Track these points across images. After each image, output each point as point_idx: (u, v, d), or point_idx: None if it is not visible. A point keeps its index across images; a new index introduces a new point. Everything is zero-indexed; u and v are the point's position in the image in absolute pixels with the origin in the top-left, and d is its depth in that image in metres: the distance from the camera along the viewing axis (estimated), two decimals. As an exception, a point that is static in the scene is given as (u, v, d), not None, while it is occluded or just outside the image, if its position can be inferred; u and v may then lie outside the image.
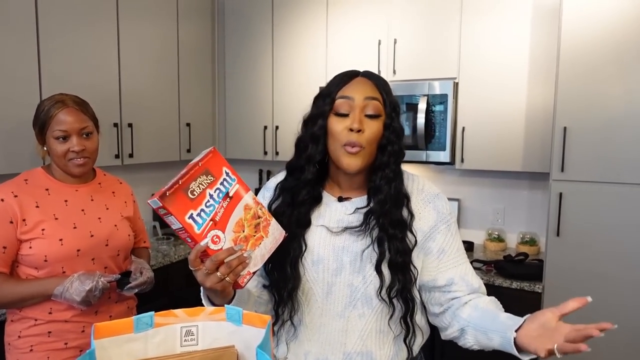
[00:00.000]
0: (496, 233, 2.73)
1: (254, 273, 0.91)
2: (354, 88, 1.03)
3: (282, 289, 1.05)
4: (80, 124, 1.41)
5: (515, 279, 2.19)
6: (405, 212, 1.04)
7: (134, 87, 2.63)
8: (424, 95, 2.51)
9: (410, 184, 1.10)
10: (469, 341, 1.01)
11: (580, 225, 2.02)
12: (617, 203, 1.95)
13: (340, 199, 1.08)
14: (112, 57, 2.49)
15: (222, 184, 0.91)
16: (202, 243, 0.85)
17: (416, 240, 1.03)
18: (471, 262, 2.32)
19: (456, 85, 2.52)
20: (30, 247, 1.36)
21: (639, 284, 1.94)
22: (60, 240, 1.38)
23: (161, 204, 0.83)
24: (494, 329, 0.96)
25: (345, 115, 1.01)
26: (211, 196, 0.88)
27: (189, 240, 0.86)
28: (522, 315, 1.01)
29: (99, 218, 1.49)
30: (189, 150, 3.06)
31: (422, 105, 2.49)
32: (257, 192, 3.60)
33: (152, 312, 0.79)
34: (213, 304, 0.96)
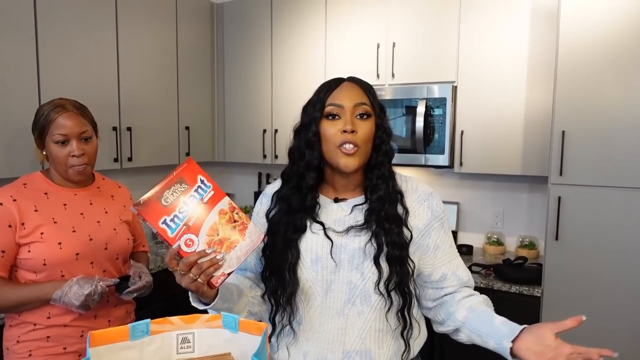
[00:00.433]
0: (495, 236, 2.73)
1: (228, 274, 0.96)
2: (342, 94, 1.06)
3: (280, 295, 1.07)
4: (80, 128, 1.41)
5: (514, 283, 2.19)
6: (400, 209, 1.08)
7: (133, 91, 2.63)
8: (423, 98, 2.51)
9: (404, 184, 1.14)
10: (462, 338, 1.09)
11: (579, 229, 2.02)
12: (616, 207, 1.95)
13: (337, 200, 1.11)
14: (111, 60, 2.49)
15: (196, 191, 0.96)
16: (174, 246, 0.92)
17: (412, 235, 1.07)
18: (470, 266, 2.35)
19: (455, 88, 2.52)
20: (29, 251, 1.36)
21: (638, 287, 1.93)
22: (59, 244, 1.38)
23: (136, 212, 0.91)
24: (489, 334, 1.02)
25: (337, 119, 1.05)
26: (185, 203, 0.94)
27: (166, 244, 0.95)
28: (519, 320, 1.03)
29: (98, 222, 1.49)
30: (187, 154, 3.06)
31: (420, 109, 2.49)
32: (256, 195, 3.61)
33: (148, 320, 0.79)
34: (201, 303, 1.00)
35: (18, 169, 2.00)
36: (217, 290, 0.98)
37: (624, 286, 1.95)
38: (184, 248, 0.92)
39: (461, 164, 2.55)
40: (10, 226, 1.35)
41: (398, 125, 2.59)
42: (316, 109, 1.06)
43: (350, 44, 2.79)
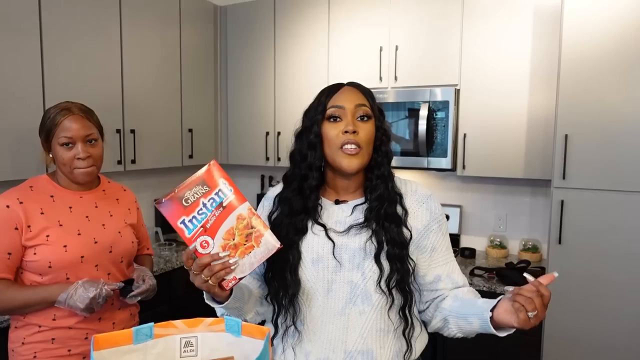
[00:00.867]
0: (498, 240, 2.72)
1: (240, 279, 0.97)
2: (343, 97, 1.09)
3: (282, 297, 1.08)
4: (86, 131, 1.42)
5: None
6: (399, 209, 1.10)
7: (136, 94, 2.64)
8: (425, 101, 2.51)
9: (403, 186, 1.16)
10: (452, 329, 1.09)
11: (582, 233, 2.02)
12: (619, 211, 1.95)
13: (337, 202, 1.14)
14: (115, 63, 2.51)
15: (216, 194, 0.97)
16: (190, 247, 0.95)
17: (411, 235, 1.09)
18: (473, 269, 2.35)
19: (457, 92, 2.53)
20: (35, 254, 1.37)
21: (640, 292, 1.93)
22: (65, 246, 1.39)
23: (158, 208, 0.95)
24: (473, 313, 1.03)
25: (338, 120, 1.08)
26: (204, 205, 0.96)
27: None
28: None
29: (103, 225, 1.50)
30: (191, 156, 3.08)
31: (423, 112, 2.50)
32: (259, 197, 3.61)
33: (152, 323, 0.79)
34: (214, 301, 1.02)
35: (24, 172, 2.02)
36: (231, 291, 1.00)
37: (628, 290, 1.95)
38: (200, 249, 0.94)
39: (464, 167, 2.55)
40: (16, 228, 1.36)
41: (401, 129, 2.59)
42: (318, 111, 1.09)
43: (353, 47, 2.80)
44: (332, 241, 1.08)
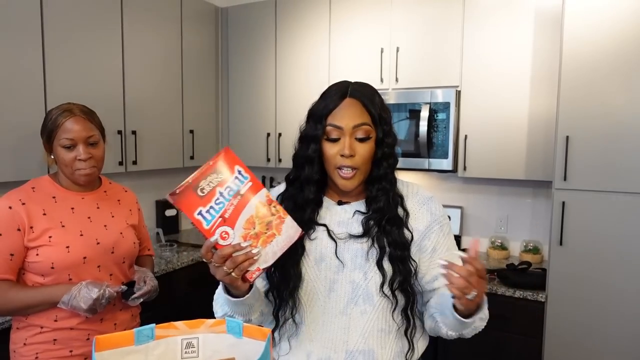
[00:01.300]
0: (499, 241, 2.72)
1: (264, 269, 0.93)
2: (342, 115, 1.06)
3: (283, 289, 1.09)
4: (87, 133, 1.43)
5: (518, 287, 2.19)
6: (400, 211, 1.11)
7: (137, 95, 2.65)
8: (427, 103, 2.51)
9: (404, 188, 1.16)
10: (442, 328, 1.07)
11: (583, 234, 2.02)
12: (621, 212, 1.95)
13: (340, 203, 1.14)
14: (116, 65, 2.51)
15: (233, 182, 0.92)
16: (211, 239, 0.90)
17: (412, 236, 1.10)
18: (474, 271, 2.34)
19: (458, 93, 2.53)
20: (37, 255, 1.37)
21: (642, 293, 1.93)
22: (67, 247, 1.39)
23: (172, 201, 0.90)
24: (445, 304, 1.01)
25: (337, 140, 1.06)
26: (221, 194, 0.91)
27: (202, 235, 0.91)
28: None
29: (105, 226, 1.51)
30: (192, 157, 3.08)
31: (424, 113, 2.50)
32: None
33: (153, 325, 0.79)
34: (230, 294, 0.99)
35: (25, 173, 2.02)
36: (251, 284, 0.97)
37: (629, 291, 1.94)
38: (220, 241, 0.90)
39: (465, 168, 2.55)
40: (19, 230, 1.36)
41: (401, 130, 2.59)
42: (317, 128, 1.07)
43: (354, 49, 2.80)
44: (335, 241, 1.09)
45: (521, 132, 2.40)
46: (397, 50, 2.67)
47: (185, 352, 0.81)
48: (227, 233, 0.90)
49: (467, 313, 0.96)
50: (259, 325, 0.91)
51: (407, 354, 1.10)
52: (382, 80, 2.71)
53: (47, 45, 2.15)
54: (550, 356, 2.10)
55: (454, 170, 2.56)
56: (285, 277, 1.08)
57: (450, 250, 1.15)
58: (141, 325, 1.30)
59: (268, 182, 3.55)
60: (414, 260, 1.09)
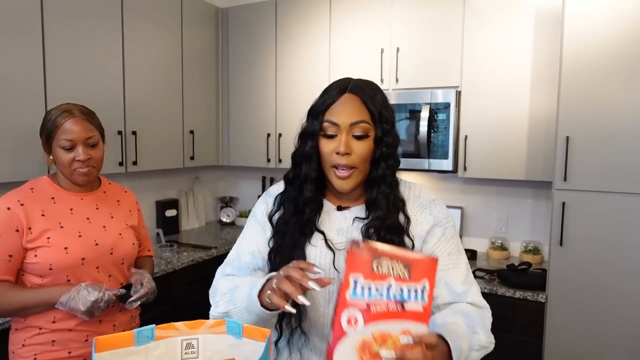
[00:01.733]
0: (499, 241, 2.72)
1: None
2: (340, 111, 1.02)
3: (287, 299, 1.05)
4: (87, 134, 1.42)
5: (518, 288, 2.18)
6: (401, 217, 1.06)
7: (138, 95, 2.65)
8: (427, 103, 2.51)
9: (407, 191, 1.11)
10: None
11: (583, 235, 2.02)
12: (621, 213, 1.95)
13: (340, 208, 1.10)
14: (116, 65, 2.51)
15: (410, 289, 0.81)
16: (343, 311, 0.80)
17: (413, 244, 1.05)
18: (474, 271, 2.34)
19: (459, 93, 2.53)
20: (36, 256, 1.37)
21: (642, 294, 1.93)
22: (66, 248, 1.39)
23: (352, 247, 0.82)
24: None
25: (334, 136, 1.02)
26: (389, 288, 0.81)
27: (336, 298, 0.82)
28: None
29: (104, 227, 1.50)
30: (192, 158, 3.08)
31: (424, 114, 2.50)
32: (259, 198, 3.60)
33: (153, 325, 0.79)
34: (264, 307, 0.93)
35: (24, 173, 2.02)
36: None
37: (629, 291, 1.94)
38: (344, 325, 0.79)
39: (465, 168, 2.54)
40: (17, 230, 1.36)
41: (402, 130, 2.59)
42: (315, 123, 1.04)
43: (354, 49, 2.80)
44: (333, 251, 1.06)
45: (521, 132, 2.40)
46: (398, 51, 2.67)
47: (185, 353, 0.81)
48: (356, 321, 0.80)
49: None
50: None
51: None
52: (382, 81, 2.71)
53: (48, 45, 2.15)
54: (550, 357, 2.10)
55: (454, 170, 2.56)
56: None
57: (451, 256, 1.08)
58: (141, 326, 1.30)
59: (268, 182, 3.55)
60: None
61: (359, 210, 1.09)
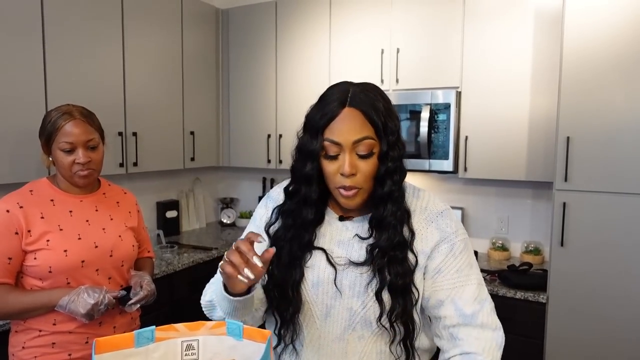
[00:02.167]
0: (500, 242, 2.72)
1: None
2: (340, 129, 0.93)
3: (284, 311, 1.03)
4: (87, 136, 1.42)
5: (519, 288, 2.18)
6: (406, 231, 0.99)
7: (138, 96, 2.65)
8: (427, 104, 2.51)
9: (414, 201, 1.04)
10: None
11: (584, 235, 2.01)
12: (622, 213, 1.94)
13: (342, 218, 1.06)
14: (117, 66, 2.51)
15: None
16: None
17: (417, 260, 0.99)
18: (475, 272, 2.33)
19: (459, 94, 2.53)
20: (35, 258, 1.36)
21: (644, 294, 1.92)
22: (65, 251, 1.38)
23: None
24: None
25: (336, 157, 0.95)
26: None
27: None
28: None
29: (104, 229, 1.50)
30: (192, 159, 3.08)
31: (425, 114, 2.50)
32: (260, 200, 3.61)
33: (153, 327, 0.79)
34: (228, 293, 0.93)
35: (23, 175, 2.02)
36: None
37: (630, 292, 1.94)
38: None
39: (465, 169, 2.54)
40: (16, 233, 1.36)
41: (402, 131, 2.58)
42: (314, 143, 0.96)
43: (355, 50, 2.80)
44: (334, 267, 1.01)
45: (522, 132, 2.40)
46: (398, 51, 2.67)
47: (186, 355, 0.80)
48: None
49: None
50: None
51: None
52: (382, 81, 2.71)
53: (48, 47, 2.15)
54: (551, 358, 2.09)
55: (455, 171, 2.55)
56: (286, 301, 1.01)
57: (459, 272, 1.00)
58: (141, 327, 1.29)
59: (269, 183, 3.55)
60: (417, 289, 0.98)
61: (362, 223, 1.04)
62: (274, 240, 1.06)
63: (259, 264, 0.83)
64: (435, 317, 1.01)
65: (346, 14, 2.82)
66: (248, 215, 3.55)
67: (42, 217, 1.39)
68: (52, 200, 1.44)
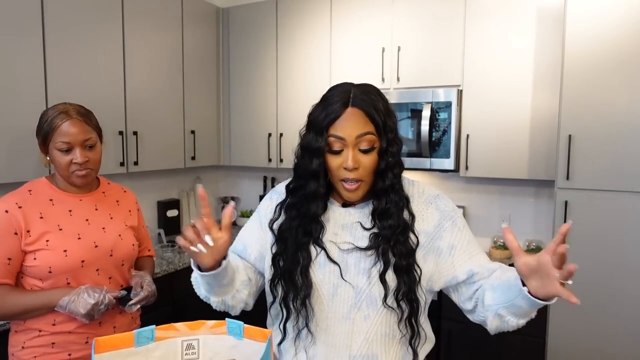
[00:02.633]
0: (502, 240, 2.71)
1: None
2: (344, 125, 1.01)
3: (294, 299, 1.07)
4: (84, 136, 1.40)
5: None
6: (406, 214, 1.07)
7: (139, 95, 2.65)
8: (428, 102, 2.50)
9: (410, 188, 1.13)
10: (512, 321, 1.00)
11: (586, 234, 2.01)
12: (624, 211, 1.94)
13: (345, 205, 1.12)
14: (117, 65, 2.51)
15: None
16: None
17: (418, 241, 1.06)
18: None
19: (460, 92, 2.52)
20: (35, 259, 1.36)
21: (646, 293, 1.91)
22: (65, 251, 1.38)
23: None
24: (515, 296, 0.96)
25: (340, 152, 1.03)
26: None
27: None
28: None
29: (103, 228, 1.49)
30: (193, 158, 3.07)
31: (426, 113, 2.49)
32: (261, 198, 3.60)
33: (153, 326, 0.79)
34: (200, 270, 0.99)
35: (22, 174, 2.02)
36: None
37: (632, 290, 1.93)
38: None
39: (467, 168, 2.53)
40: (16, 233, 1.35)
41: (403, 129, 2.58)
42: (319, 140, 1.03)
43: (356, 48, 2.80)
44: (339, 247, 1.07)
45: (523, 131, 2.39)
46: (399, 50, 2.66)
47: (186, 354, 0.80)
48: None
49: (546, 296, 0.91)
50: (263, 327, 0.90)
51: None
52: (383, 80, 2.71)
53: (48, 46, 2.15)
54: (553, 356, 2.09)
55: (456, 169, 2.55)
56: (294, 287, 1.06)
57: (471, 243, 1.09)
58: (141, 327, 1.29)
59: (269, 182, 3.55)
60: (419, 267, 1.05)
61: (363, 209, 1.10)
62: (279, 233, 1.12)
63: (210, 242, 0.91)
64: (469, 284, 1.07)
65: (347, 12, 2.81)
66: (249, 214, 3.55)
67: (42, 217, 1.39)
68: (51, 200, 1.43)
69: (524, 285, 0.93)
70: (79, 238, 1.42)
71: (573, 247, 2.07)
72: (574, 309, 2.04)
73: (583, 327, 2.02)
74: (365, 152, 1.02)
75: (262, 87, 3.17)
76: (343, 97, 1.03)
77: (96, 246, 1.44)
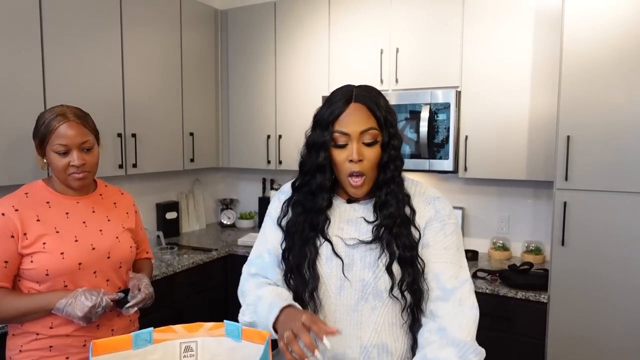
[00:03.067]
0: (501, 242, 2.71)
1: None
2: (348, 120, 1.08)
3: (303, 292, 1.12)
4: (82, 139, 1.39)
5: (520, 288, 2.17)
6: (407, 209, 1.12)
7: (137, 98, 2.64)
8: (427, 104, 2.50)
9: (412, 187, 1.18)
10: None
11: (585, 235, 2.01)
12: (623, 212, 1.93)
13: (349, 201, 1.17)
14: (115, 67, 2.51)
15: None
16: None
17: (420, 234, 1.12)
18: (475, 272, 2.33)
19: (459, 93, 2.52)
20: (32, 262, 1.35)
21: (646, 293, 1.91)
22: (62, 254, 1.37)
23: None
24: None
25: (345, 146, 1.09)
26: None
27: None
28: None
29: (100, 230, 1.48)
30: (192, 160, 3.07)
31: (424, 114, 2.49)
32: (260, 200, 3.59)
33: (151, 328, 0.78)
34: None
35: (19, 177, 2.01)
36: None
37: (632, 291, 1.93)
38: None
39: (466, 169, 2.53)
40: (12, 236, 1.34)
41: (402, 131, 2.58)
42: (325, 135, 1.09)
43: (354, 50, 2.80)
44: (345, 240, 1.12)
45: (522, 132, 2.39)
46: (397, 51, 2.67)
47: (184, 356, 0.80)
48: None
49: None
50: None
51: (413, 348, 1.13)
52: (382, 82, 2.71)
53: (47, 48, 2.14)
54: (553, 357, 2.08)
55: (455, 171, 2.55)
56: (303, 280, 1.12)
57: (448, 250, 1.10)
58: (139, 330, 1.28)
59: (268, 184, 3.54)
60: (422, 259, 1.10)
61: (367, 205, 1.16)
62: (287, 229, 1.17)
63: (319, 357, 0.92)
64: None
65: (345, 14, 2.81)
66: (248, 216, 3.54)
67: (38, 220, 1.38)
68: (47, 202, 1.43)
69: None
70: (76, 241, 1.41)
71: (572, 248, 2.08)
72: (574, 309, 2.04)
73: (583, 328, 2.02)
74: (368, 145, 1.08)
75: (261, 89, 3.17)
76: (346, 94, 1.10)
77: (93, 249, 1.44)
